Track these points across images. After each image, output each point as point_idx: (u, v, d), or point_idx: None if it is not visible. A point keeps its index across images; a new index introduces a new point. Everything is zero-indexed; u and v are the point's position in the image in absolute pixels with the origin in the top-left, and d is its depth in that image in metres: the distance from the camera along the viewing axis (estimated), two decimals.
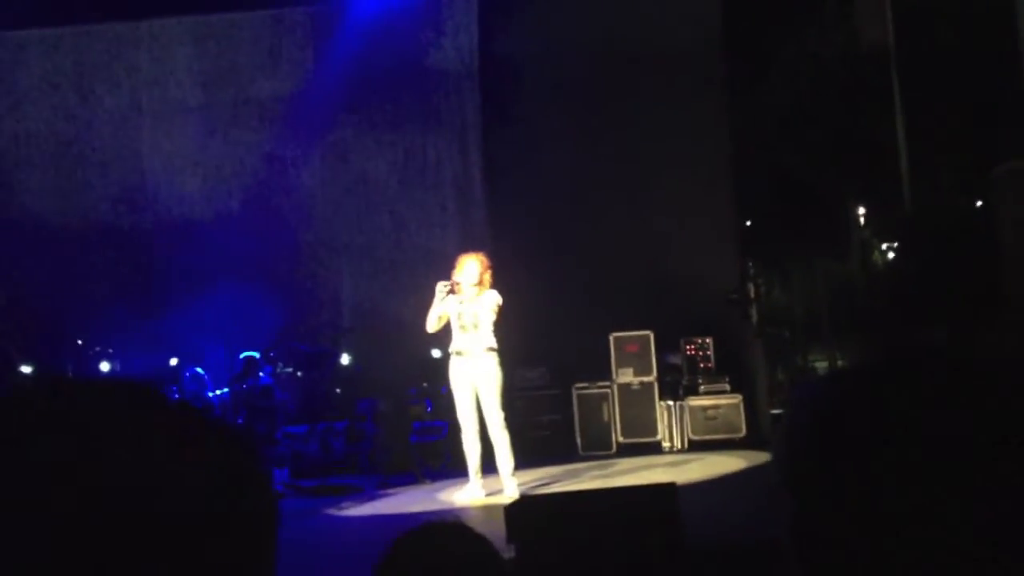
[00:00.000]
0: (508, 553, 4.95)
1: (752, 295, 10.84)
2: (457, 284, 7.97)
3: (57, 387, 0.89)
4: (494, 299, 7.95)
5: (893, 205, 9.12)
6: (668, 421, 10.69)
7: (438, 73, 12.15)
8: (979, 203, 8.45)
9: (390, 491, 9.09)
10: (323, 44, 12.15)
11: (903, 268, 9.02)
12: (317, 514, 8.30)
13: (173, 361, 10.64)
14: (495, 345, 7.98)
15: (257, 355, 10.01)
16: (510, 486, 7.96)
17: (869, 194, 9.58)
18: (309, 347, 10.70)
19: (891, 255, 9.50)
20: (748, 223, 11.12)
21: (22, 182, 12.26)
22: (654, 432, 10.71)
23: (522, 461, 8.35)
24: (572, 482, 8.67)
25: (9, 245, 11.89)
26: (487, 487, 8.09)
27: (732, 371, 10.76)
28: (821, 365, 10.88)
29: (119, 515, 0.80)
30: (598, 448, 10.60)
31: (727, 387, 10.68)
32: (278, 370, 10.22)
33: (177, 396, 9.51)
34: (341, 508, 8.50)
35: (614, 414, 10.75)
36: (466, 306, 7.96)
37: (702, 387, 10.70)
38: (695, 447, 10.41)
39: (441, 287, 7.90)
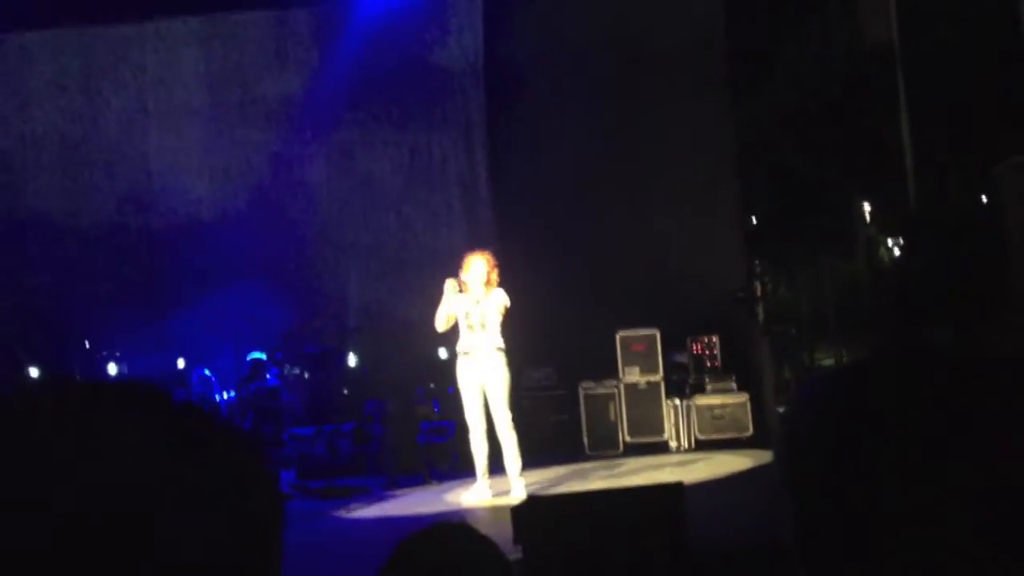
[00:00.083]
0: (515, 554, 4.95)
1: (758, 293, 10.83)
2: (464, 283, 7.97)
3: (62, 389, 0.90)
4: (501, 299, 7.96)
5: (898, 202, 9.11)
6: (675, 420, 10.68)
7: (443, 72, 12.16)
8: (984, 199, 8.44)
9: (397, 492, 9.10)
10: (328, 44, 12.17)
11: (908, 266, 9.01)
12: (324, 516, 8.32)
13: (180, 363, 10.66)
14: (503, 345, 7.99)
15: (264, 356, 10.02)
16: (517, 487, 7.96)
17: (874, 191, 9.56)
18: (316, 348, 10.71)
19: (897, 252, 9.48)
20: (754, 221, 11.11)
21: (29, 183, 12.29)
22: (661, 431, 10.71)
23: (529, 461, 8.36)
24: (579, 482, 8.67)
25: (16, 246, 11.93)
26: (495, 487, 8.10)
27: (739, 369, 10.74)
28: (828, 363, 10.86)
29: (122, 516, 0.81)
30: (605, 448, 10.59)
31: (734, 385, 10.66)
32: (285, 371, 10.23)
33: (184, 398, 9.52)
34: (348, 509, 8.51)
35: (621, 413, 10.74)
36: (473, 305, 7.97)
37: (709, 386, 10.68)
38: (702, 446, 10.39)
39: (450, 285, 7.91)
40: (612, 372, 10.82)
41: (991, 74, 8.02)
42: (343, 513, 8.41)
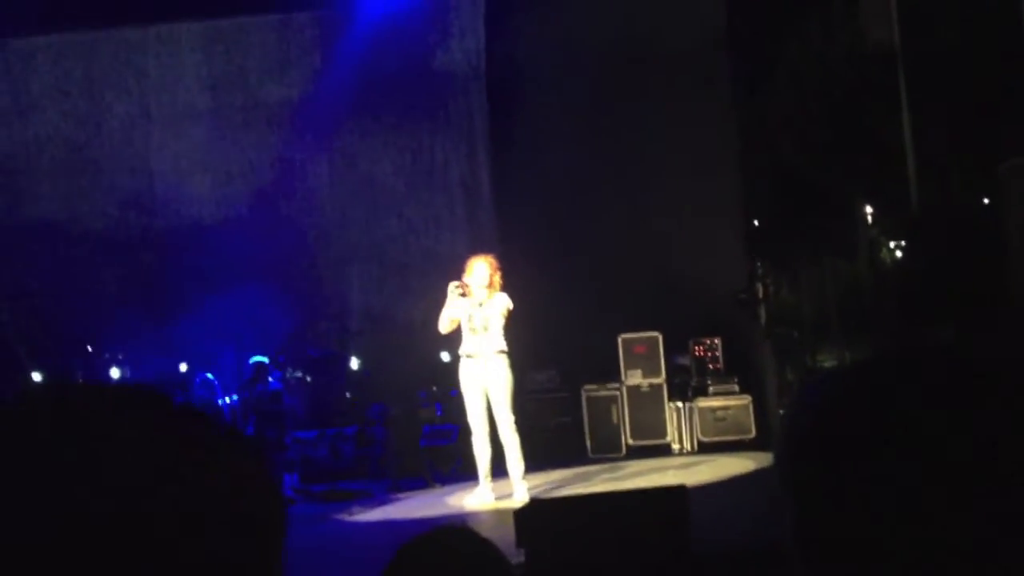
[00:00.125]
0: (518, 557, 4.95)
1: (760, 295, 10.82)
2: (467, 286, 7.98)
3: (64, 392, 0.90)
4: (504, 303, 7.97)
5: (900, 204, 9.10)
6: (677, 423, 10.68)
7: (445, 75, 12.17)
8: (986, 201, 8.43)
9: (400, 495, 9.10)
10: (330, 48, 12.18)
11: (910, 267, 9.00)
12: (327, 519, 8.32)
13: (183, 367, 10.66)
14: (505, 348, 8.00)
15: (266, 360, 10.03)
16: (520, 490, 7.96)
17: (876, 193, 9.55)
18: (318, 351, 10.72)
19: (899, 254, 9.46)
20: (756, 223, 11.09)
21: (32, 187, 12.31)
22: (663, 434, 10.70)
23: (531, 464, 8.36)
24: (582, 485, 8.67)
25: (19, 251, 11.94)
26: (497, 490, 8.09)
27: (741, 372, 10.74)
28: (830, 365, 10.84)
29: (123, 519, 0.81)
30: (607, 450, 10.59)
31: (736, 388, 10.65)
32: (287, 375, 10.23)
33: (186, 402, 9.51)
34: (351, 513, 8.52)
35: (623, 416, 10.74)
36: (476, 309, 7.98)
37: (711, 388, 10.68)
38: (705, 449, 10.39)
39: (453, 287, 7.93)
40: (614, 375, 10.82)
41: (993, 75, 8.02)
42: (345, 516, 8.41)
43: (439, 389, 10.15)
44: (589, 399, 10.80)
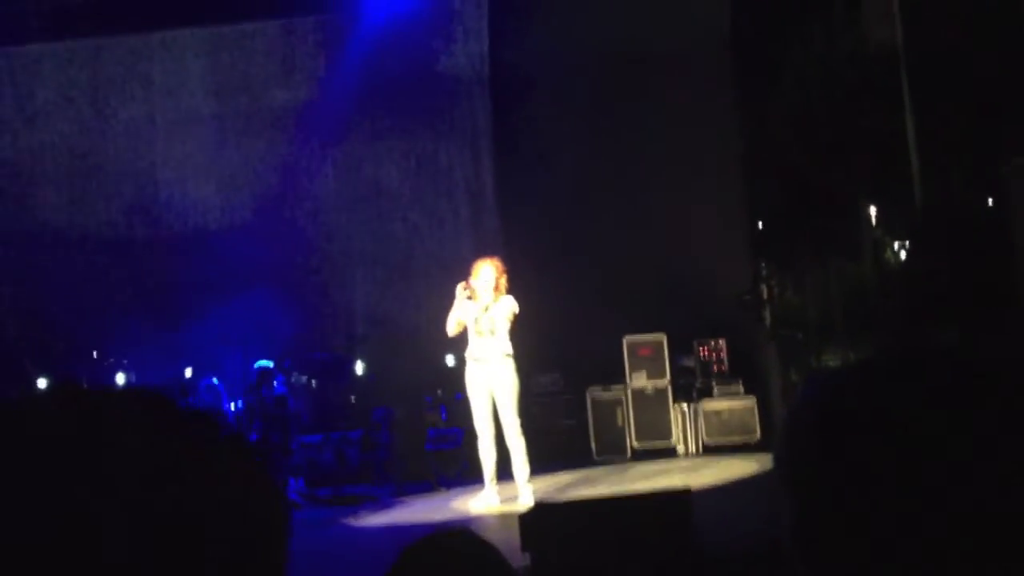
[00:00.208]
0: (523, 561, 4.95)
1: (765, 296, 10.81)
2: (473, 289, 7.99)
3: (68, 395, 0.90)
4: (510, 306, 7.98)
5: (905, 205, 9.08)
6: (682, 425, 10.67)
7: (449, 80, 12.17)
8: (990, 201, 8.41)
9: (405, 500, 9.10)
10: (335, 53, 12.19)
11: (915, 268, 8.98)
12: (333, 523, 8.33)
13: (188, 372, 10.67)
14: (511, 351, 8.01)
15: (271, 364, 10.03)
16: (525, 493, 7.96)
17: (881, 193, 9.53)
18: (323, 355, 10.72)
19: (904, 254, 9.44)
20: (760, 224, 11.08)
21: (37, 194, 12.33)
22: (668, 436, 10.69)
23: (537, 467, 8.36)
24: (587, 488, 8.67)
25: (24, 257, 11.96)
26: (503, 494, 8.10)
27: (746, 374, 10.73)
28: (834, 366, 10.82)
29: (126, 520, 0.81)
30: (612, 453, 10.58)
31: (741, 389, 10.64)
32: (292, 379, 10.23)
33: (192, 407, 9.51)
34: (356, 517, 8.52)
35: (628, 418, 10.73)
36: (482, 312, 7.99)
37: (716, 390, 10.67)
38: (709, 451, 10.38)
39: (461, 289, 7.94)
40: (619, 377, 10.82)
41: (996, 75, 8.01)
42: (351, 521, 8.42)
43: (444, 393, 10.14)
44: (594, 401, 10.80)
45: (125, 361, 10.81)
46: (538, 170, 11.32)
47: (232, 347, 10.71)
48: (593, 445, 10.71)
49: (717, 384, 10.70)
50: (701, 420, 10.55)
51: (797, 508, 0.99)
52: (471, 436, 8.46)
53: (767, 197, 10.70)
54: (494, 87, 12.04)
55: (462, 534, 2.01)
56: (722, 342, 10.89)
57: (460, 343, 8.38)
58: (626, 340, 10.84)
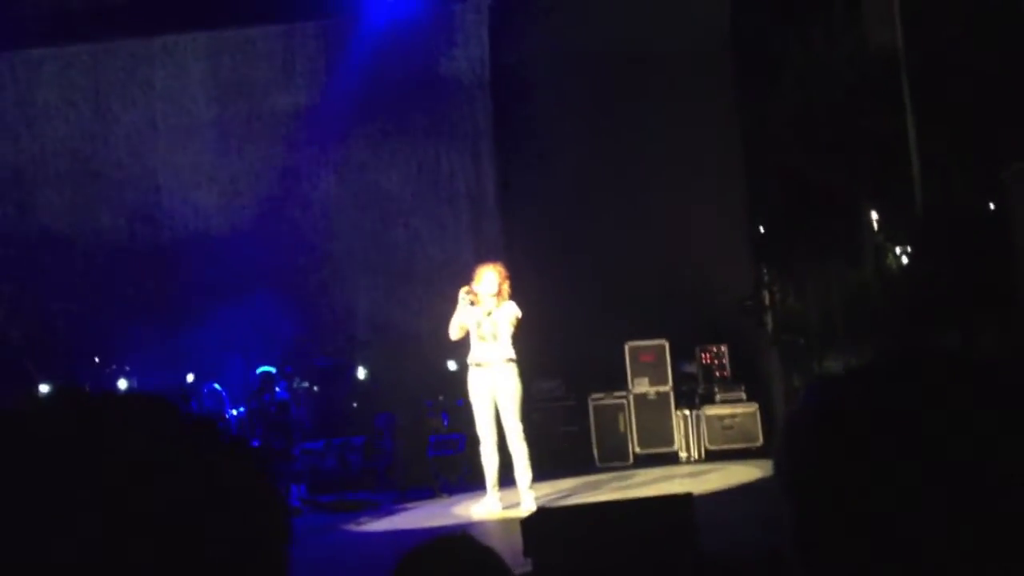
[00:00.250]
0: (525, 567, 4.94)
1: (767, 302, 10.81)
2: (476, 294, 7.98)
3: (69, 400, 0.90)
4: (513, 311, 7.98)
5: (906, 209, 9.08)
6: (684, 431, 10.66)
7: (450, 84, 12.19)
8: (991, 205, 8.42)
9: (407, 505, 9.10)
10: (336, 57, 12.20)
11: (916, 272, 8.98)
12: (335, 529, 8.32)
13: (190, 377, 10.67)
14: (514, 356, 8.00)
15: (273, 370, 10.03)
16: (527, 499, 7.95)
17: (882, 198, 9.53)
18: (325, 361, 10.72)
19: (905, 259, 9.44)
20: (761, 229, 11.09)
21: (39, 199, 12.34)
22: (671, 442, 10.68)
23: (539, 473, 8.35)
24: (589, 494, 8.65)
25: (26, 261, 11.98)
26: (504, 500, 8.09)
27: (748, 379, 10.73)
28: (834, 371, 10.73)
29: (125, 527, 0.81)
30: (615, 459, 10.57)
31: (743, 395, 10.64)
32: (294, 385, 10.23)
33: (194, 412, 9.50)
34: (359, 523, 8.52)
35: (630, 424, 10.72)
36: (485, 317, 7.98)
37: (718, 396, 10.66)
38: (712, 457, 10.37)
39: (464, 293, 7.93)
40: (621, 383, 10.81)
41: (997, 79, 8.00)
42: (353, 527, 8.41)
43: (446, 398, 10.14)
44: (596, 407, 10.79)
45: (127, 367, 10.82)
46: (539, 175, 11.32)
47: (234, 352, 10.72)
48: (595, 451, 10.71)
49: (719, 390, 10.69)
50: (703, 426, 10.54)
51: (797, 512, 0.98)
52: (473, 442, 8.45)
53: (768, 202, 10.71)
54: (495, 91, 12.05)
55: (462, 539, 2.01)
56: (724, 348, 10.88)
57: (462, 348, 8.38)
58: (628, 346, 10.83)
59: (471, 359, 8.12)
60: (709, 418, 10.55)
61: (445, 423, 10.04)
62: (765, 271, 10.92)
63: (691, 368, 10.93)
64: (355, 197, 12.24)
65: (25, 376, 10.60)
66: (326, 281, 12.03)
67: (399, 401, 10.31)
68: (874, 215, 9.68)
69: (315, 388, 10.54)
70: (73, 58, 12.40)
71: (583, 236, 11.04)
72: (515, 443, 8.00)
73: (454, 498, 9.15)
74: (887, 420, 0.96)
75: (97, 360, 10.88)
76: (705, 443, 10.52)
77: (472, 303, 7.98)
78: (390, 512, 8.92)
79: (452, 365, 10.15)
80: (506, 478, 8.11)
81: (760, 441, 10.37)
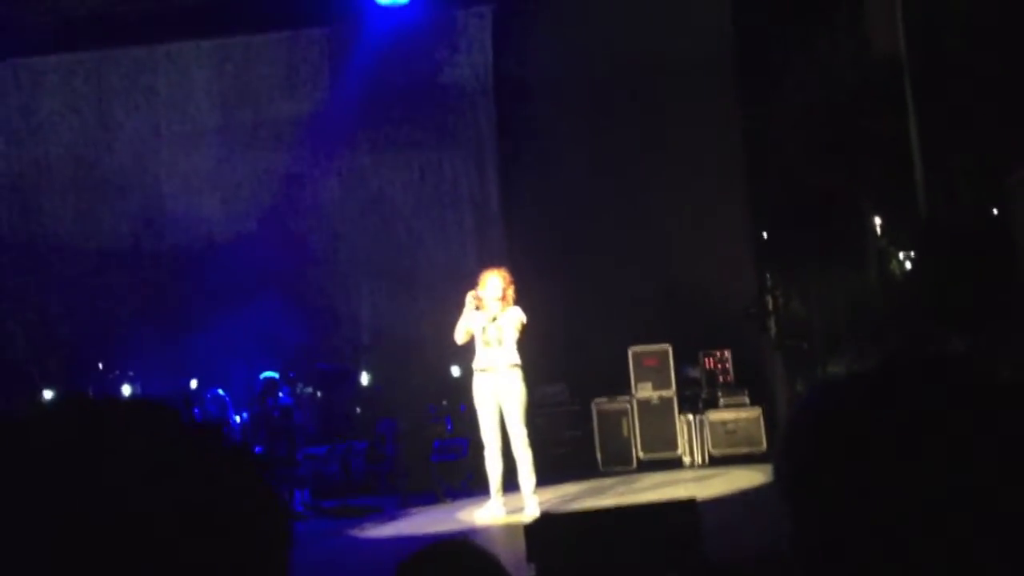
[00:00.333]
0: (529, 572, 4.94)
1: (770, 307, 10.80)
2: (481, 300, 7.99)
3: (72, 406, 0.91)
4: (518, 316, 7.98)
5: (909, 214, 9.09)
6: (688, 436, 10.64)
7: (453, 91, 12.20)
8: (995, 211, 8.42)
9: (410, 511, 9.09)
10: (339, 64, 12.22)
11: (919, 278, 8.99)
12: (338, 535, 8.32)
13: (194, 383, 10.68)
14: (519, 361, 8.00)
15: (276, 375, 10.04)
16: (531, 504, 7.94)
17: (885, 203, 9.53)
18: (328, 367, 10.72)
19: (908, 264, 9.44)
20: (765, 235, 11.09)
21: (43, 206, 12.36)
22: (674, 447, 10.67)
23: (542, 478, 8.35)
24: (593, 499, 8.64)
25: (30, 268, 12.00)
26: (508, 505, 8.08)
27: (751, 384, 10.70)
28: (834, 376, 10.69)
29: (126, 532, 0.81)
30: (618, 464, 10.55)
31: (746, 400, 10.61)
32: (298, 390, 10.23)
33: (197, 418, 9.52)
34: (362, 529, 8.51)
35: (634, 429, 10.71)
36: (490, 322, 7.98)
37: (721, 400, 10.64)
38: (715, 462, 10.35)
39: (471, 297, 7.93)
40: (624, 388, 10.80)
41: (1001, 85, 8.00)
42: (356, 532, 8.40)
43: (449, 403, 10.14)
44: (599, 412, 10.77)
45: (131, 372, 10.83)
46: (542, 181, 11.33)
47: (237, 358, 10.73)
48: (599, 456, 10.69)
49: (723, 394, 10.67)
50: (707, 431, 10.52)
51: (797, 516, 0.98)
52: (476, 447, 8.44)
53: (771, 206, 10.71)
54: (498, 98, 12.06)
55: (462, 544, 2.01)
56: (727, 352, 10.86)
57: (465, 354, 8.38)
58: (631, 350, 10.81)
59: (476, 364, 8.11)
60: (713, 423, 10.53)
61: (449, 428, 10.04)
62: (768, 276, 10.92)
63: (695, 373, 10.92)
64: (358, 203, 12.25)
65: (29, 382, 10.62)
66: (329, 287, 12.04)
67: (402, 406, 10.30)
68: (877, 220, 9.69)
69: (318, 393, 10.55)
70: (77, 65, 12.42)
71: (586, 241, 11.04)
72: (519, 448, 7.99)
73: (457, 503, 9.14)
74: (885, 427, 0.96)
75: (101, 366, 10.90)
76: (709, 448, 10.50)
77: (477, 308, 7.98)
78: (393, 518, 8.91)
79: (456, 370, 10.15)
80: (510, 483, 8.10)
81: (764, 446, 10.34)
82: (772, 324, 10.76)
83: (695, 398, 10.79)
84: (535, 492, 8.04)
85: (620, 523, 5.29)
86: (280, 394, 9.89)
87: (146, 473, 0.84)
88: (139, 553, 0.81)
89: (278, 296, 11.12)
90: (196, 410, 9.92)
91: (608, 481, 9.73)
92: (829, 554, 0.96)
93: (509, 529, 7.37)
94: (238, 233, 12.07)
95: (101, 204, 12.31)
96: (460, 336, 8.09)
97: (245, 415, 10.08)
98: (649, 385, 10.76)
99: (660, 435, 10.68)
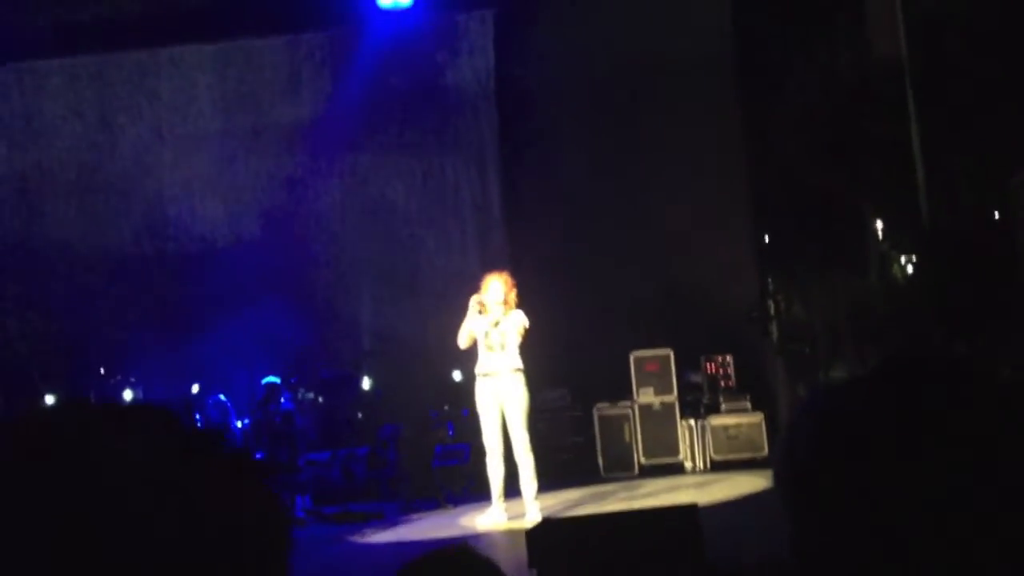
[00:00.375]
0: None
1: (772, 312, 10.80)
2: (483, 304, 7.98)
3: (73, 411, 0.91)
4: (520, 320, 7.97)
5: (911, 218, 9.08)
6: (690, 441, 10.63)
7: (455, 94, 12.21)
8: (996, 214, 8.41)
9: (412, 516, 9.09)
10: (341, 68, 12.24)
11: (920, 281, 8.98)
12: (339, 541, 8.31)
13: (195, 388, 10.68)
14: (521, 366, 7.99)
15: (278, 381, 10.04)
16: (532, 510, 7.93)
17: (887, 206, 9.53)
18: (330, 372, 10.72)
19: (910, 268, 9.44)
20: (767, 239, 11.09)
21: (46, 209, 12.38)
22: (676, 452, 10.65)
23: (544, 483, 8.34)
24: (595, 505, 8.63)
25: (32, 272, 12.01)
26: (510, 511, 8.07)
27: (753, 389, 10.69)
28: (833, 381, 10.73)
29: (126, 537, 0.81)
30: (620, 469, 10.54)
31: (748, 405, 10.60)
32: (299, 396, 10.24)
33: (199, 423, 9.53)
34: (363, 534, 8.50)
35: (635, 435, 10.70)
36: (492, 327, 7.98)
37: (723, 406, 10.63)
38: (717, 467, 10.34)
39: (474, 301, 7.93)
40: (626, 393, 10.79)
41: (1002, 88, 7.99)
42: (358, 538, 8.40)
43: (451, 409, 10.13)
44: (601, 418, 10.77)
45: (132, 377, 10.85)
46: (544, 185, 11.33)
47: (239, 363, 10.73)
48: (600, 461, 10.68)
49: (724, 399, 10.66)
50: (709, 436, 10.51)
51: (797, 517, 0.98)
52: (478, 452, 8.43)
53: (773, 211, 10.71)
54: (500, 102, 12.08)
55: (461, 550, 1.99)
56: (729, 357, 10.85)
57: (467, 359, 8.37)
58: (633, 356, 10.81)
59: (479, 369, 8.10)
60: (714, 428, 10.52)
61: (450, 433, 10.04)
62: (770, 280, 10.91)
63: (696, 378, 10.91)
64: (360, 208, 12.26)
65: (30, 387, 10.62)
66: (331, 292, 12.05)
67: (404, 412, 10.30)
68: (879, 224, 9.68)
69: (320, 399, 10.55)
70: (79, 69, 12.45)
71: (588, 245, 11.04)
72: (521, 454, 7.98)
73: (459, 509, 9.13)
74: (887, 423, 0.95)
75: (103, 371, 10.91)
76: (710, 453, 10.49)
77: (480, 312, 7.98)
78: (395, 523, 8.91)
79: (457, 376, 10.15)
80: (511, 489, 8.09)
81: (766, 451, 10.33)
82: (774, 328, 10.75)
83: (697, 403, 10.78)
84: (537, 498, 8.02)
85: (622, 529, 5.28)
86: (282, 399, 9.89)
87: (147, 478, 0.84)
88: (140, 558, 0.81)
89: (279, 300, 11.13)
90: (197, 415, 9.93)
91: (610, 487, 9.72)
92: (829, 555, 0.96)
93: (511, 535, 7.36)
94: (240, 237, 12.09)
95: (103, 208, 12.32)
96: (463, 340, 8.08)
97: (247, 421, 10.08)
98: (651, 390, 10.75)
99: (662, 440, 10.67)
